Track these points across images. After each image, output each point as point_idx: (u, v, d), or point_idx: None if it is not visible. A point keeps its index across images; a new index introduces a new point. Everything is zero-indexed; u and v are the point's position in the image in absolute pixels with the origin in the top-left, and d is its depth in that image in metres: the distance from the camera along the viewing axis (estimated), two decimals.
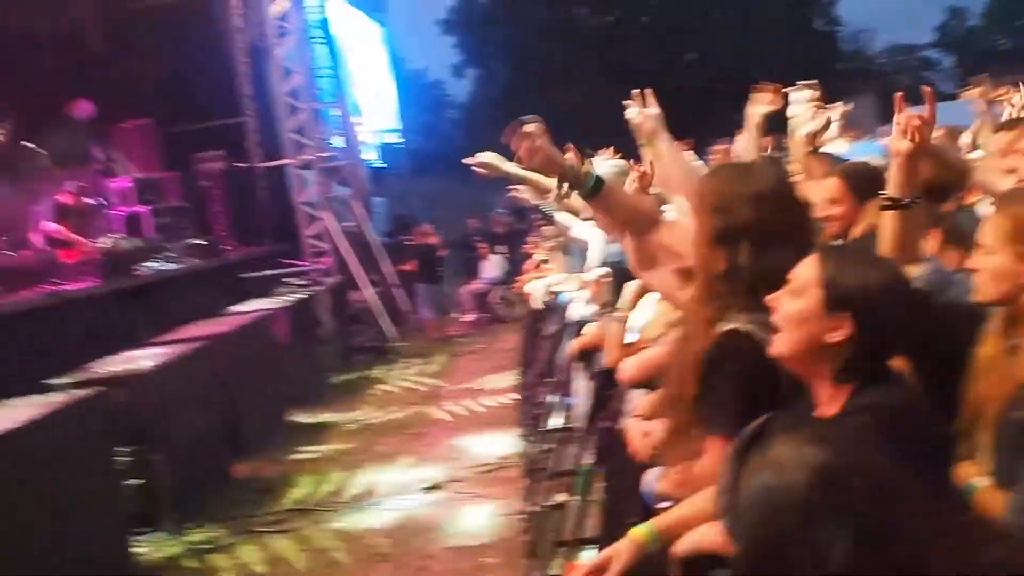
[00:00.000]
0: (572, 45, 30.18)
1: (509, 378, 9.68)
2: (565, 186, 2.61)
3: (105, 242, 9.13)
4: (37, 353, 6.39)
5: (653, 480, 2.36)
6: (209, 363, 7.16)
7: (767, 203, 2.18)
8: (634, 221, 2.80)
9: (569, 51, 30.10)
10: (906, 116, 2.24)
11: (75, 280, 7.95)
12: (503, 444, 7.47)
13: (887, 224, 2.32)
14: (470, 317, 14.73)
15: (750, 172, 2.30)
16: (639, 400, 3.12)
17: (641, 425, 2.69)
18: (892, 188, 2.31)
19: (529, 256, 10.34)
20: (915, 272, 2.26)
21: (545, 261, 8.53)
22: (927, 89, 2.31)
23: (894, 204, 2.30)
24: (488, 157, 4.41)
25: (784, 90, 4.09)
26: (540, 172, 2.78)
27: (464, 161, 4.48)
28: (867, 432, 1.30)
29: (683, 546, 1.90)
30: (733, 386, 2.05)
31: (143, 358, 6.55)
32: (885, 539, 1.14)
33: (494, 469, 6.91)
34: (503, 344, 12.15)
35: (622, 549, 1.97)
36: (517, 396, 8.42)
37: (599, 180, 2.62)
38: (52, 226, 9.03)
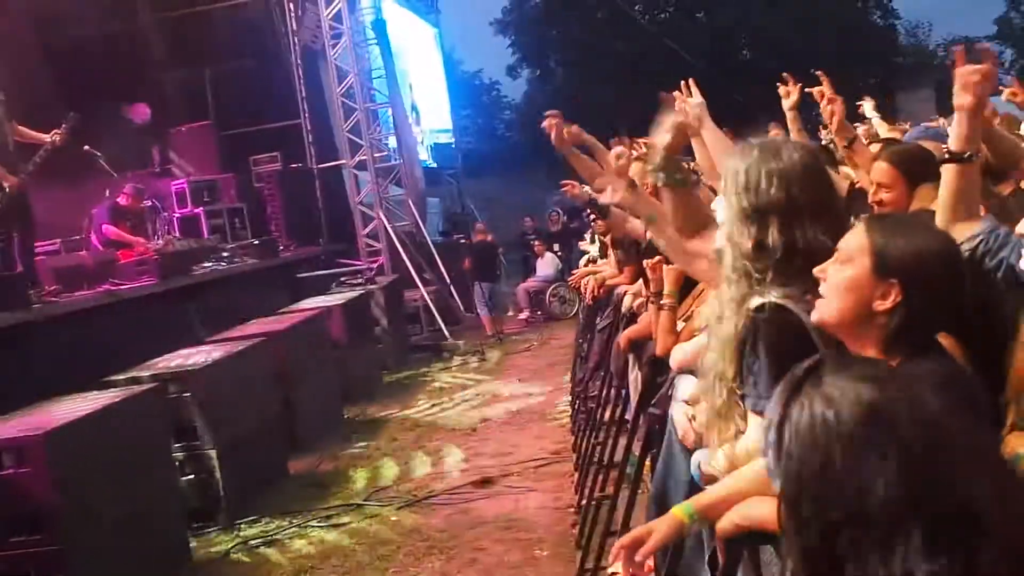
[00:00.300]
0: (627, 43, 30.05)
1: (563, 374, 9.66)
2: (658, 164, 2.62)
3: (162, 243, 9.28)
4: (96, 350, 6.52)
5: (699, 462, 2.32)
6: (265, 360, 7.24)
7: (795, 181, 2.18)
8: (692, 222, 2.79)
9: (623, 49, 29.98)
10: (965, 71, 2.19)
11: (133, 280, 8.10)
12: (555, 438, 7.44)
13: (947, 180, 2.28)
14: (525, 315, 14.72)
15: (777, 150, 2.29)
16: (687, 386, 3.08)
17: (688, 409, 2.66)
18: (954, 142, 2.26)
19: (583, 253, 10.31)
20: (972, 229, 2.20)
21: (599, 257, 8.49)
22: (982, 47, 2.27)
23: (955, 158, 2.25)
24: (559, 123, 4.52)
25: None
26: (669, 134, 2.77)
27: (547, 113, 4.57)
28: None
29: (725, 523, 1.87)
30: (769, 359, 2.04)
31: (200, 355, 6.64)
32: (931, 479, 1.13)
33: (546, 463, 6.89)
34: (558, 341, 12.14)
35: (660, 524, 1.95)
36: (570, 391, 8.39)
37: (687, 175, 2.64)
38: (110, 227, 9.21)
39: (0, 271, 6.91)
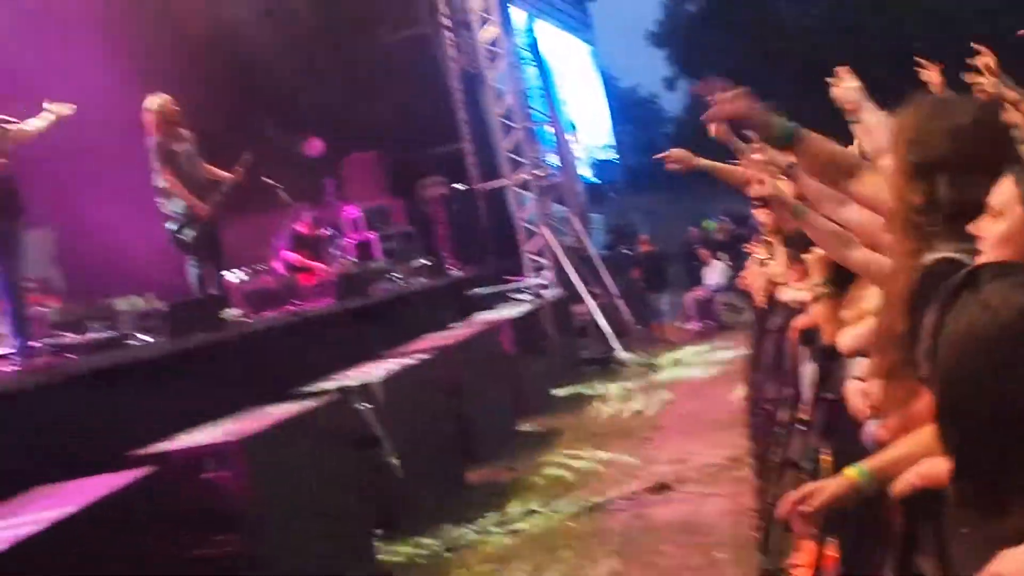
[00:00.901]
0: (782, 45, 29.32)
1: (736, 381, 9.50)
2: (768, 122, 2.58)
3: (338, 266, 9.73)
4: (282, 366, 6.88)
5: (873, 431, 2.26)
6: (440, 373, 7.46)
7: (966, 137, 2.11)
8: (835, 167, 2.72)
9: (779, 52, 29.26)
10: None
11: (313, 301, 8.52)
12: (732, 443, 7.32)
13: None
14: (695, 325, 14.56)
15: (948, 106, 2.24)
16: (859, 365, 3.00)
17: (860, 385, 2.59)
18: None
19: (751, 256, 10.11)
20: None
21: (768, 258, 8.31)
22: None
23: None
24: (678, 152, 4.55)
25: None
26: (741, 121, 2.72)
27: (656, 156, 4.57)
28: None
29: (902, 484, 1.82)
30: None
31: (379, 369, 6.91)
32: None
33: (723, 468, 6.79)
34: (729, 349, 11.93)
35: (831, 483, 1.92)
36: (745, 395, 8.24)
37: (795, 128, 2.56)
38: (290, 254, 9.76)
39: (196, 295, 7.42)
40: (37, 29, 8.35)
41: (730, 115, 2.59)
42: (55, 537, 3.58)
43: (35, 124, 6.28)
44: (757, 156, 3.35)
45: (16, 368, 5.58)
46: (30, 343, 5.94)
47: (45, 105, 6.32)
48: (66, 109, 6.34)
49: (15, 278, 6.09)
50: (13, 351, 5.84)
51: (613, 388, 10.82)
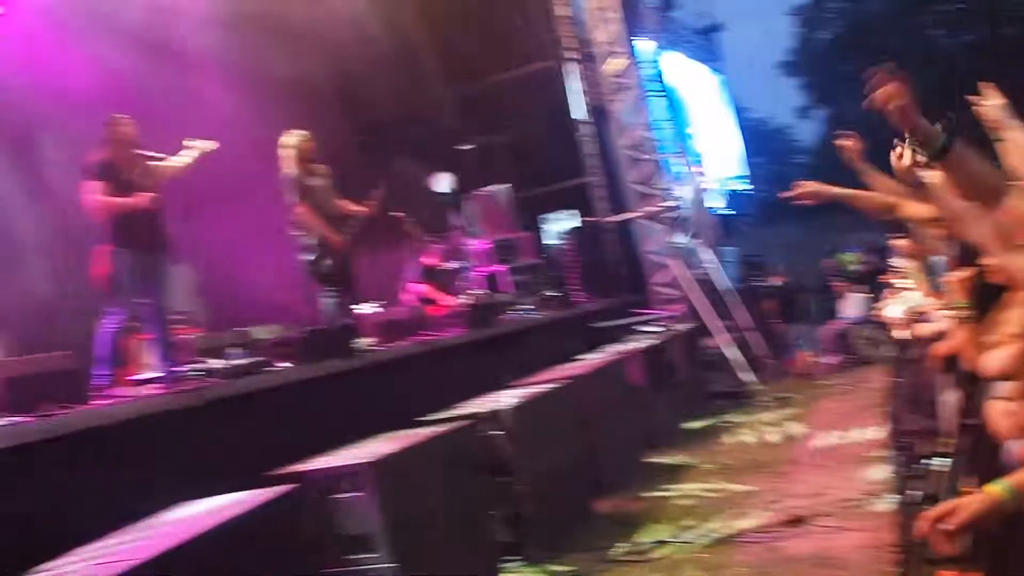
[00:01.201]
0: (930, 70, 28.35)
1: (875, 415, 9.16)
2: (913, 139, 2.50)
3: (467, 298, 9.87)
4: (412, 394, 7.00)
5: (1017, 451, 2.15)
6: (569, 402, 7.45)
7: None
8: (983, 188, 2.62)
9: (927, 77, 28.30)
10: None
11: (443, 331, 8.66)
12: (870, 478, 7.06)
13: None
14: (832, 358, 14.12)
15: None
16: (1002, 388, 2.86)
17: (1003, 405, 2.47)
18: None
19: (888, 287, 9.79)
20: None
21: (905, 288, 8.03)
22: None
23: None
24: (809, 185, 4.49)
25: None
26: (902, 122, 2.62)
27: (782, 195, 4.52)
28: None
29: None
30: None
31: (508, 397, 6.95)
32: None
33: (860, 502, 6.54)
34: (867, 383, 11.51)
35: (972, 500, 1.83)
36: (884, 429, 7.93)
37: (950, 139, 2.49)
38: (419, 286, 9.97)
39: (330, 324, 7.64)
40: (178, 70, 8.85)
41: (892, 104, 2.52)
42: (195, 550, 3.72)
43: (179, 160, 6.63)
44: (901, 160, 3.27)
45: (163, 391, 5.85)
46: (175, 369, 6.24)
47: (186, 143, 6.67)
48: (208, 146, 6.67)
49: (161, 309, 6.41)
50: (160, 375, 6.14)
51: (745, 421, 10.59)
